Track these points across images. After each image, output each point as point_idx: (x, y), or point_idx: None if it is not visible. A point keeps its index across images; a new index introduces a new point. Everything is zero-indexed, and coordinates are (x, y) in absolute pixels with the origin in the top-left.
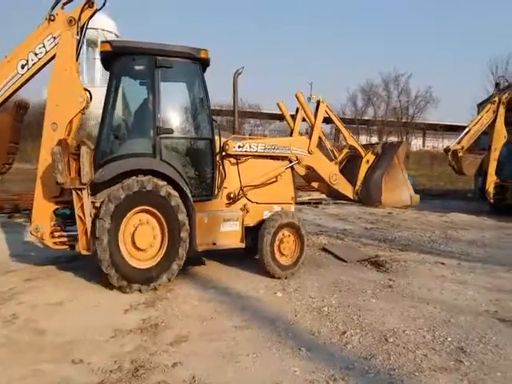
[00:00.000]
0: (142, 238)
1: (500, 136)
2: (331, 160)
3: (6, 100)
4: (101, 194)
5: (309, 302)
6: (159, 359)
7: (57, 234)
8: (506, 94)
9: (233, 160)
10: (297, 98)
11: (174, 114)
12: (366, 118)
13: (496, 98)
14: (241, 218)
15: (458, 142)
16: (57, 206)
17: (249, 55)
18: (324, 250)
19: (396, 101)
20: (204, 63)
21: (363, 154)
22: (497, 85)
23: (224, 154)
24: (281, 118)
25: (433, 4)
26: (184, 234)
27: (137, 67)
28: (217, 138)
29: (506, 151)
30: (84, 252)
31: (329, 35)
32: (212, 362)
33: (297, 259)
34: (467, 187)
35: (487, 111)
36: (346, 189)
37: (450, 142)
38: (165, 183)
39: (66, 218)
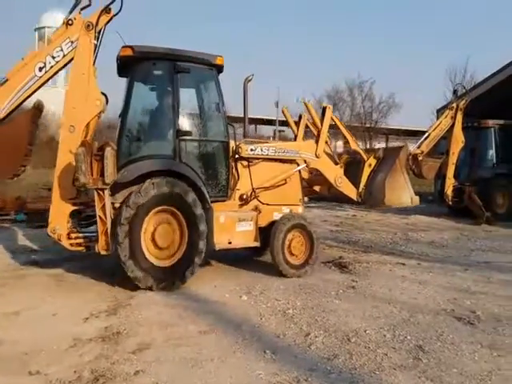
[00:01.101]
0: (162, 236)
1: (458, 141)
2: (335, 164)
3: (22, 102)
4: (119, 195)
5: (274, 305)
6: (121, 368)
7: (73, 235)
8: (464, 101)
9: (245, 163)
10: (305, 105)
11: (191, 118)
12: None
13: (454, 105)
14: (255, 219)
15: (418, 147)
16: (73, 208)
17: None
18: None
19: (360, 106)
20: (219, 69)
21: (366, 158)
22: (455, 92)
23: (237, 156)
24: (249, 121)
25: (396, 12)
26: (202, 228)
27: (157, 72)
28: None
29: (463, 155)
30: (103, 252)
31: (297, 38)
32: (176, 368)
33: (306, 259)
34: (429, 190)
35: (446, 117)
36: (349, 191)
37: (411, 147)
38: (184, 184)
39: (80, 220)
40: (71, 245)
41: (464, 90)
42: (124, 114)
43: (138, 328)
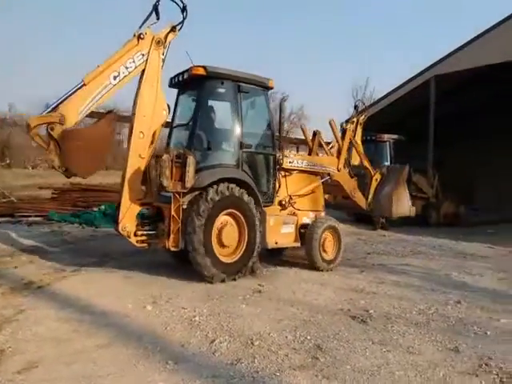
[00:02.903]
0: (227, 236)
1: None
2: (351, 177)
3: (96, 107)
4: (185, 198)
5: (180, 313)
6: None
7: (139, 232)
8: (363, 116)
9: (283, 173)
10: (330, 124)
11: (250, 133)
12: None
13: (355, 119)
14: (295, 222)
15: None
16: (140, 208)
17: None
18: None
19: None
20: (269, 90)
21: (373, 173)
22: (355, 107)
23: (278, 167)
24: (166, 124)
25: (307, 27)
26: (258, 232)
27: (223, 90)
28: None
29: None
30: (173, 248)
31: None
32: None
33: (336, 255)
34: None
35: (347, 130)
36: (361, 201)
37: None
38: (246, 190)
39: (143, 219)
40: (137, 242)
41: (364, 106)
42: (194, 125)
43: (26, 345)
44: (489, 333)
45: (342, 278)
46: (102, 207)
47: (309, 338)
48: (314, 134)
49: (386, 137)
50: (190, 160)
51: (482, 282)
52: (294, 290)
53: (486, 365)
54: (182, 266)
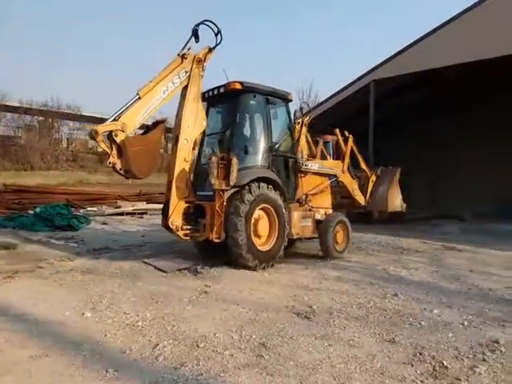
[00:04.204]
0: (262, 227)
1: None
2: (353, 178)
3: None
4: (225, 195)
5: (122, 319)
6: None
7: (185, 227)
8: (307, 118)
9: (300, 174)
10: (335, 133)
11: (276, 139)
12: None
13: (300, 120)
14: (312, 217)
15: None
16: (186, 205)
17: (64, 53)
18: (144, 262)
19: None
20: (290, 102)
21: (370, 175)
22: (301, 109)
23: (298, 169)
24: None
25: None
26: (287, 224)
27: (254, 102)
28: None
29: None
30: (216, 240)
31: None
32: None
33: (345, 246)
34: None
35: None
36: (361, 199)
37: None
38: (276, 188)
39: (187, 215)
40: (184, 235)
41: (308, 108)
42: (232, 133)
43: None
44: (423, 323)
45: (287, 275)
46: (38, 209)
47: (254, 336)
48: (317, 141)
49: (329, 137)
50: (234, 161)
51: (416, 275)
52: (240, 290)
53: (420, 354)
54: (207, 256)
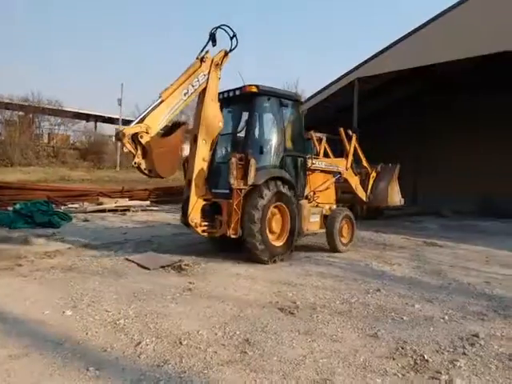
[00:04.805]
0: (275, 224)
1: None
2: (355, 175)
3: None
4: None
5: (103, 317)
6: None
7: (203, 223)
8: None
9: (308, 172)
10: (340, 133)
11: (290, 139)
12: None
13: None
14: (320, 212)
15: None
16: (204, 203)
17: (51, 47)
18: (127, 259)
19: None
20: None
21: (371, 171)
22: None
23: (307, 167)
24: (88, 118)
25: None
26: (298, 220)
27: (269, 104)
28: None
29: None
30: (233, 235)
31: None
32: None
33: (350, 239)
34: None
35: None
36: (362, 194)
37: None
38: (288, 187)
39: (204, 212)
40: (203, 231)
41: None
42: (248, 134)
43: None
44: (405, 318)
45: (271, 271)
46: (17, 206)
47: (238, 332)
48: (321, 140)
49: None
50: (253, 162)
51: (399, 270)
52: (225, 286)
53: (402, 348)
54: (221, 251)
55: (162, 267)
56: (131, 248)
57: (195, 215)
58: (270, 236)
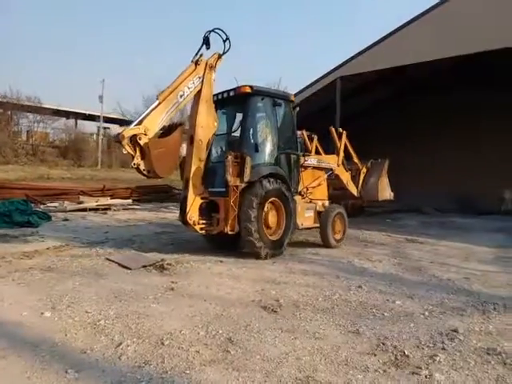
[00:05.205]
0: (271, 219)
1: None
2: (346, 171)
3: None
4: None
5: (83, 318)
6: None
7: (201, 221)
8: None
9: (301, 169)
10: (330, 131)
11: (282, 137)
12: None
13: None
14: (314, 208)
15: None
16: (201, 201)
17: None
18: (108, 259)
19: None
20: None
21: (361, 167)
22: None
23: (300, 164)
24: (68, 115)
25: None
26: (293, 215)
27: (262, 104)
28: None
29: None
30: (231, 232)
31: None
32: None
33: (342, 235)
34: None
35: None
36: (353, 190)
37: None
38: (282, 183)
39: (201, 210)
40: (201, 229)
41: None
42: (243, 133)
43: None
44: (386, 314)
45: (254, 270)
46: None
47: (220, 331)
48: (312, 138)
49: (298, 133)
50: (248, 159)
51: (380, 267)
52: (207, 285)
53: (383, 344)
54: (217, 248)
55: (144, 267)
56: (112, 248)
57: (193, 213)
58: (266, 231)
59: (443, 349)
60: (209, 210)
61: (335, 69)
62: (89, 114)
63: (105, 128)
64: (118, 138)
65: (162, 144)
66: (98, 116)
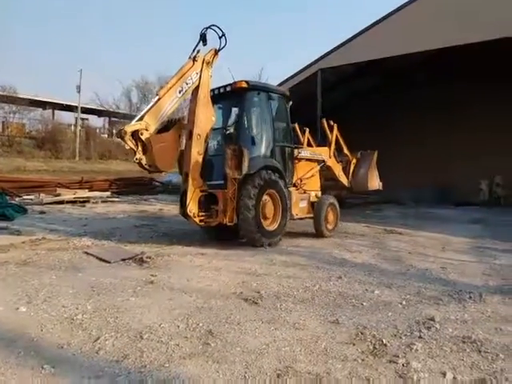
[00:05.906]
0: (268, 210)
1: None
2: (338, 162)
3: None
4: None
5: (60, 313)
6: None
7: (200, 213)
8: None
9: (295, 161)
10: (321, 124)
11: (278, 130)
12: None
13: None
14: (308, 198)
15: None
16: (201, 194)
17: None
18: (86, 253)
19: None
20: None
21: (351, 158)
22: None
23: (294, 156)
24: (45, 105)
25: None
26: (288, 206)
27: (258, 99)
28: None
29: None
30: (229, 223)
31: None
32: None
33: (335, 225)
34: None
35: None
36: (344, 181)
37: None
38: (278, 175)
39: (200, 203)
40: (200, 221)
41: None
42: (240, 127)
43: None
44: (365, 304)
45: (235, 262)
46: None
47: (201, 324)
48: (304, 131)
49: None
50: (246, 152)
51: (359, 258)
52: (188, 278)
53: (362, 333)
54: (215, 240)
55: (123, 260)
56: (91, 241)
57: (193, 206)
58: (264, 222)
59: (420, 337)
60: (208, 202)
61: (316, 61)
62: (66, 105)
63: (82, 119)
64: (121, 134)
65: (162, 139)
66: (76, 106)
